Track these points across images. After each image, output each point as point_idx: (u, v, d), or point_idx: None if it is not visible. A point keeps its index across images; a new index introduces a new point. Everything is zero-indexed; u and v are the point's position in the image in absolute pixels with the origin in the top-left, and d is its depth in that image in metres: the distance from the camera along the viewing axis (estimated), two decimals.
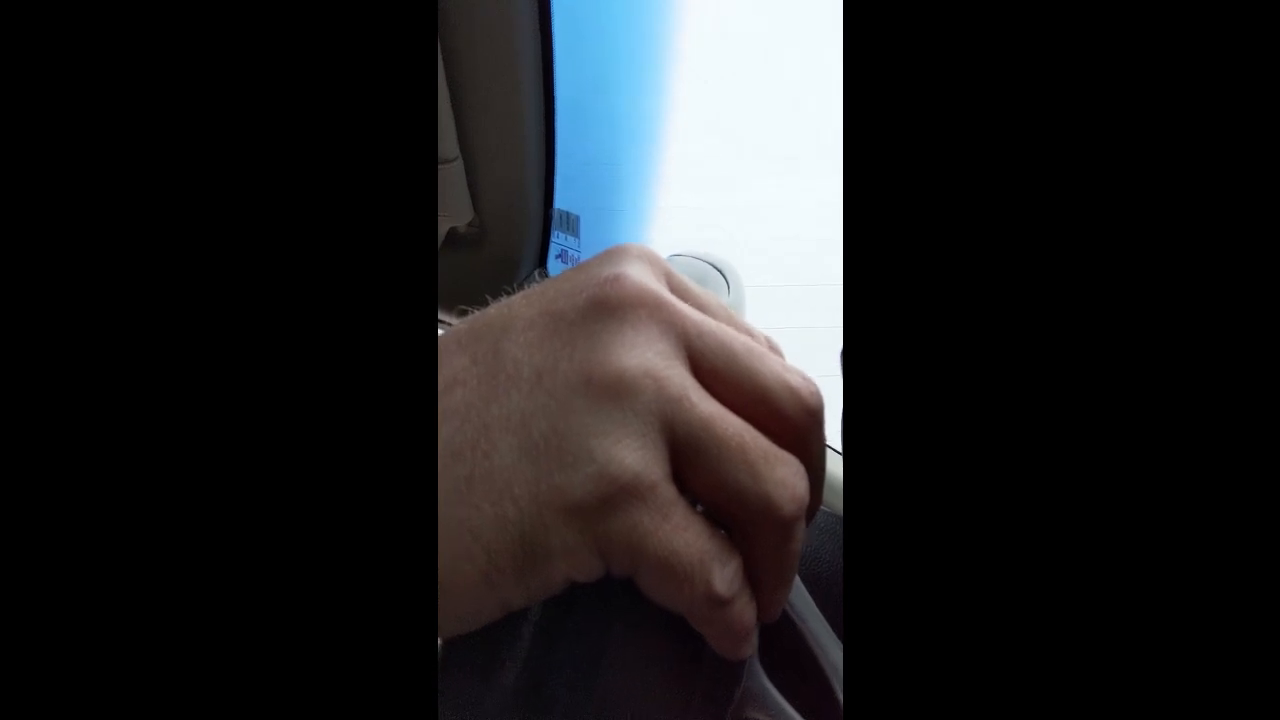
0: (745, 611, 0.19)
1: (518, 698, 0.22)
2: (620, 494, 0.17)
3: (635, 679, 0.22)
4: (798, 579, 0.23)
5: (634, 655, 0.22)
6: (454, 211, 0.74)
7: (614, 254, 0.20)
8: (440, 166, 0.68)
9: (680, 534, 0.17)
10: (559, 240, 0.80)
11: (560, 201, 0.77)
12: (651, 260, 0.20)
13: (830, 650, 0.22)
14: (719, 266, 0.59)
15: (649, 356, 0.17)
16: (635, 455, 0.17)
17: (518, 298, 0.20)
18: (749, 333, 0.21)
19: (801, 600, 0.23)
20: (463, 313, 0.20)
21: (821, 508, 0.24)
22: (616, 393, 0.17)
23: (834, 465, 0.57)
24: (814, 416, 0.19)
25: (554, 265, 0.82)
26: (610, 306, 0.18)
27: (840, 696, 0.22)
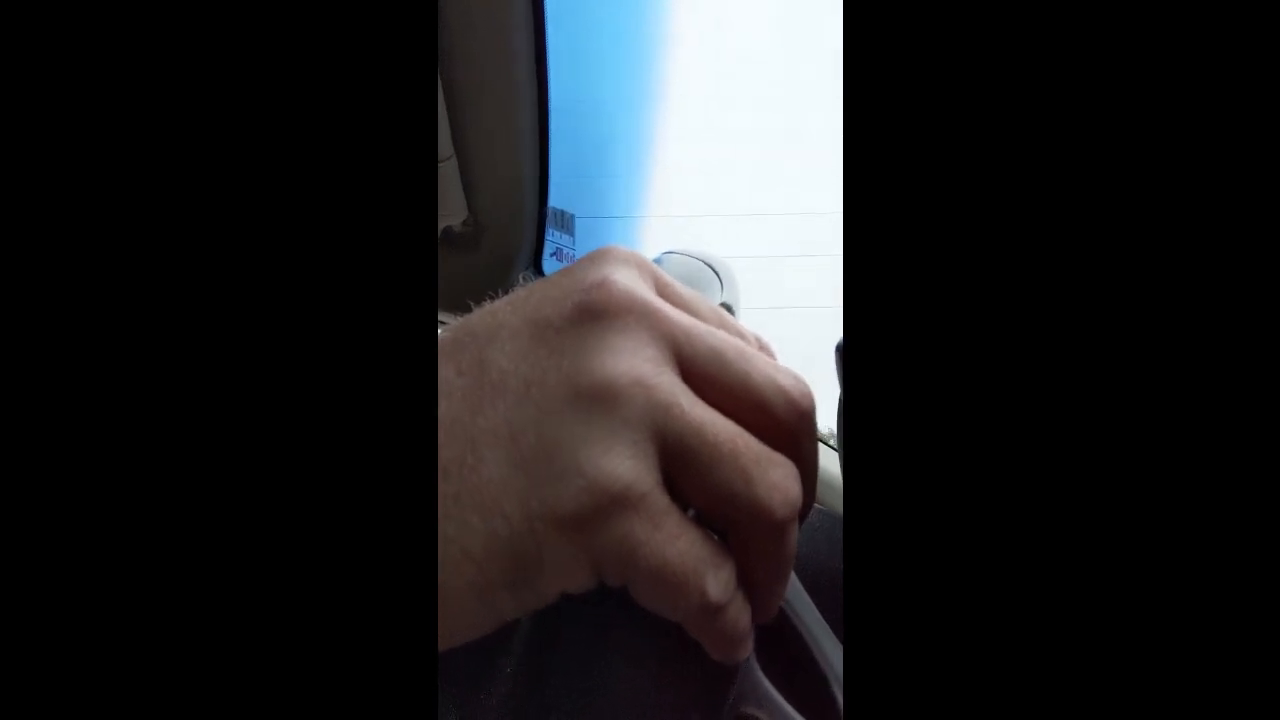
0: (740, 616, 0.19)
1: (512, 706, 0.22)
2: (611, 505, 0.16)
3: (631, 679, 0.22)
4: (795, 578, 0.23)
5: (629, 656, 0.23)
6: (448, 210, 0.74)
7: (600, 257, 0.20)
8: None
9: (673, 543, 0.17)
10: (554, 238, 0.80)
11: (555, 199, 0.77)
12: (638, 263, 0.20)
13: (827, 649, 0.22)
14: (712, 264, 0.59)
15: (637, 364, 0.17)
16: (626, 465, 0.16)
17: (503, 303, 0.19)
18: (739, 333, 0.21)
19: (799, 599, 0.23)
20: (464, 309, 0.20)
21: (819, 507, 0.24)
22: (605, 402, 0.17)
23: (831, 464, 0.57)
24: (805, 417, 0.19)
25: (549, 263, 0.82)
26: (597, 313, 0.18)
27: (837, 695, 0.22)
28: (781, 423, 0.18)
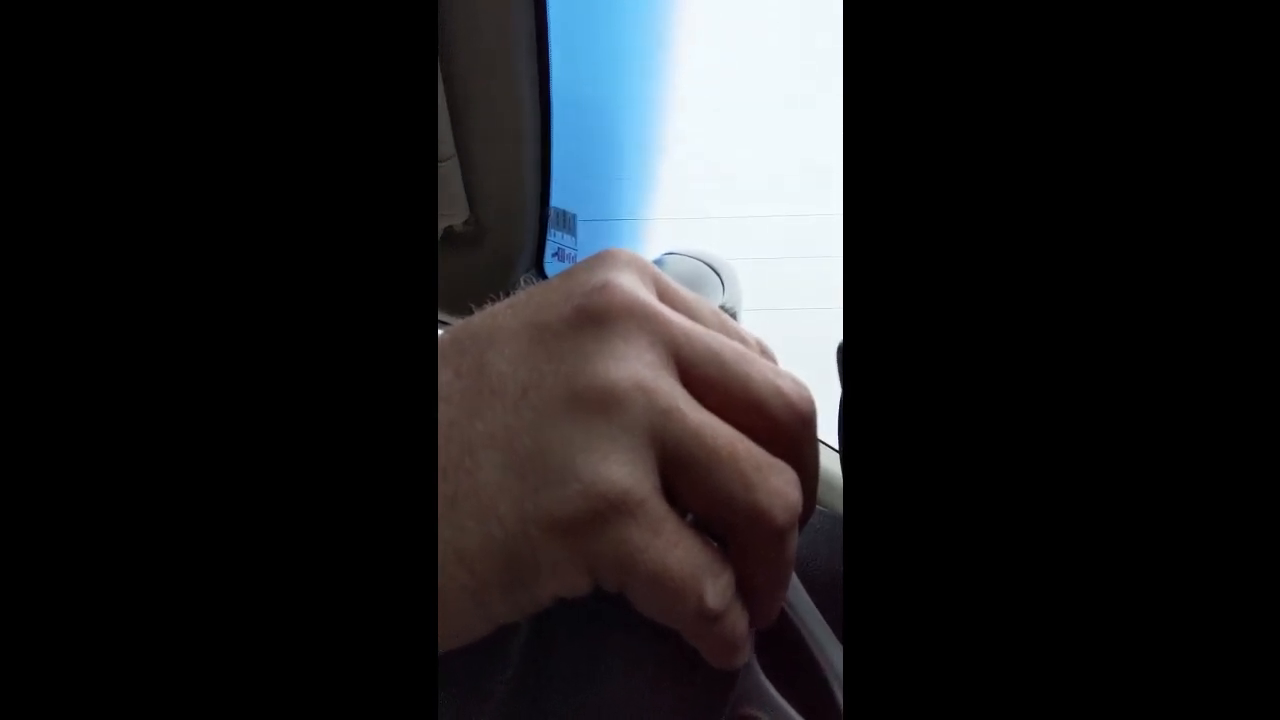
0: (738, 623, 0.19)
1: (510, 709, 0.22)
2: (609, 511, 0.16)
3: (630, 682, 0.22)
4: (795, 578, 0.23)
5: (628, 658, 0.22)
6: (450, 210, 0.74)
7: (601, 260, 0.19)
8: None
9: (671, 550, 0.17)
10: (555, 238, 0.80)
11: (557, 200, 0.77)
12: (639, 266, 0.20)
13: (828, 649, 0.22)
14: (714, 265, 0.59)
15: (637, 368, 0.17)
16: (624, 471, 0.16)
17: (502, 306, 0.19)
18: (740, 337, 0.21)
19: (799, 600, 0.23)
20: (465, 310, 0.20)
21: (819, 508, 0.24)
22: (604, 406, 0.17)
23: (831, 463, 0.57)
24: (805, 421, 0.19)
25: (550, 263, 0.82)
26: (597, 316, 0.18)
27: (838, 695, 0.22)
28: (781, 427, 0.18)
